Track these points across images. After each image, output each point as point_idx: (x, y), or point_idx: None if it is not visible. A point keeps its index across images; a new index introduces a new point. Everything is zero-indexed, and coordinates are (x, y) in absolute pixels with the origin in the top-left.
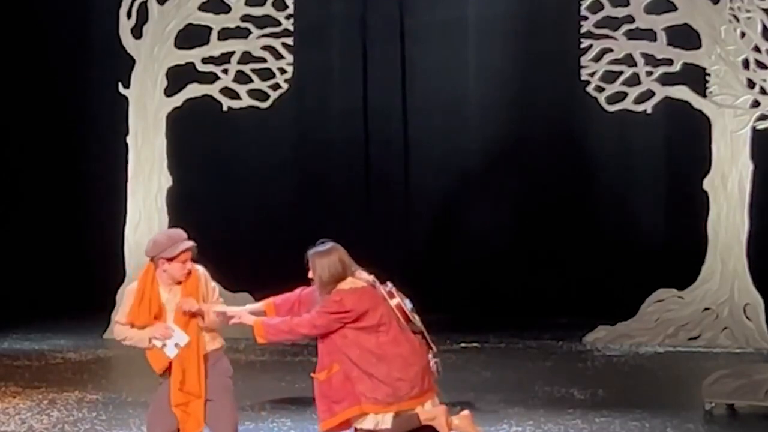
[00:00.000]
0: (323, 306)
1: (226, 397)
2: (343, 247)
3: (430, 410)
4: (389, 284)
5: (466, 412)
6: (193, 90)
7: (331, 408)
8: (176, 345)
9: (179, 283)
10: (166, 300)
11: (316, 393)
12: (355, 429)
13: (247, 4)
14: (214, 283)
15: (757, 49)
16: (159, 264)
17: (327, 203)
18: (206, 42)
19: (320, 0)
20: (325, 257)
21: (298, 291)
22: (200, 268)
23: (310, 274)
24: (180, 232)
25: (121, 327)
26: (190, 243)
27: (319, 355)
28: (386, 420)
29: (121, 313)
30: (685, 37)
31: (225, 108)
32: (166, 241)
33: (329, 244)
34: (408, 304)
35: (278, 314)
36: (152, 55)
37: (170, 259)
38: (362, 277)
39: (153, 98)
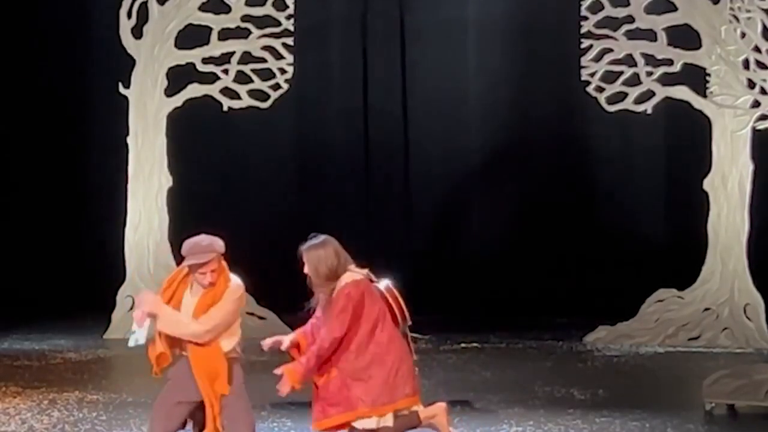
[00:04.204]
0: (334, 309)
1: (242, 399)
2: (343, 247)
3: (430, 408)
4: (386, 281)
5: (442, 404)
6: (194, 90)
7: (325, 410)
8: (136, 340)
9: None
10: (186, 302)
11: (313, 394)
12: (352, 428)
13: (247, 4)
14: (232, 304)
15: (757, 49)
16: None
17: (327, 203)
18: (206, 42)
19: (320, 0)
20: (319, 250)
21: (309, 323)
22: (237, 285)
23: (305, 270)
24: (201, 245)
25: None
26: (194, 260)
27: None
28: (388, 419)
29: None
30: (685, 37)
31: (225, 108)
32: (189, 249)
33: (322, 237)
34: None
35: (308, 342)
36: (152, 55)
37: (192, 267)
38: (357, 271)
39: (153, 98)
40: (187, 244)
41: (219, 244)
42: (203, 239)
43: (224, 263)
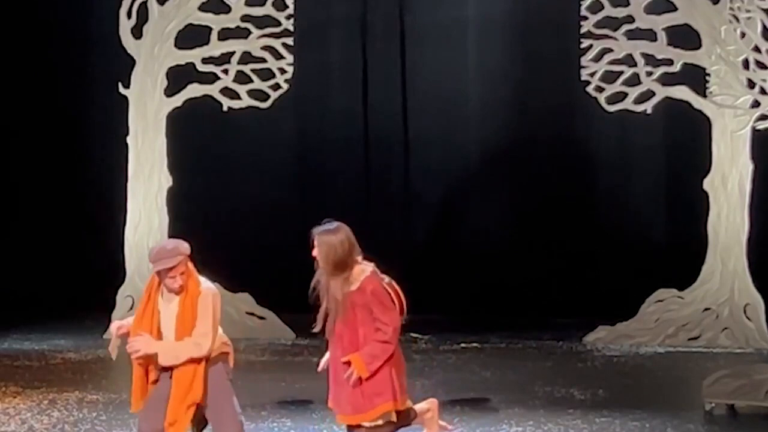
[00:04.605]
0: (379, 305)
1: (227, 402)
2: None
3: (424, 404)
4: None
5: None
6: (193, 90)
7: (372, 400)
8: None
9: (178, 293)
10: (163, 311)
11: (337, 388)
12: (358, 425)
13: (247, 4)
14: (211, 303)
15: (757, 49)
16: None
17: (327, 203)
18: (206, 42)
19: (320, 0)
20: (332, 236)
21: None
22: (207, 290)
23: (314, 252)
24: (167, 249)
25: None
26: (162, 265)
27: (361, 344)
28: (392, 414)
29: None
30: (685, 37)
31: (225, 108)
32: (156, 255)
33: (336, 223)
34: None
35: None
36: (152, 55)
37: (161, 273)
38: (366, 264)
39: (153, 98)
40: (153, 251)
41: (184, 246)
42: (168, 243)
43: (191, 266)
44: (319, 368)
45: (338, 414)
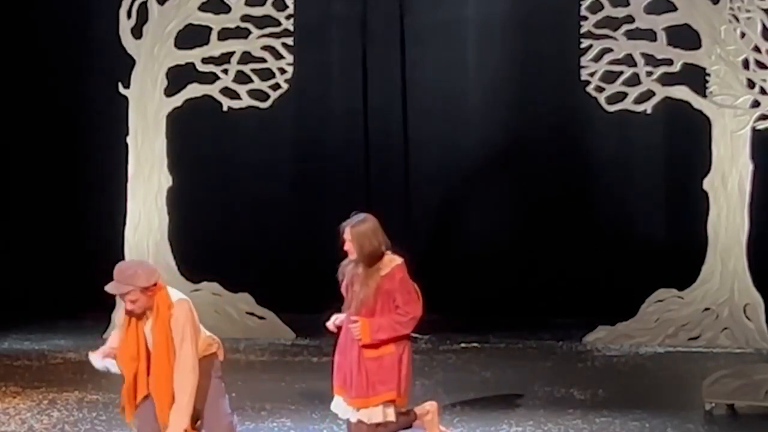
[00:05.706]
0: (405, 294)
1: (215, 400)
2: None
3: (424, 406)
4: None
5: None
6: (193, 90)
7: (375, 387)
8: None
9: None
10: (146, 328)
11: (358, 368)
12: (358, 422)
13: (247, 4)
14: (185, 323)
15: (757, 49)
16: None
17: (327, 203)
18: (206, 42)
19: (320, 0)
20: (362, 227)
21: None
22: (179, 308)
23: (347, 246)
24: (125, 273)
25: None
26: (112, 288)
27: None
28: (390, 413)
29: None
30: (685, 37)
31: (225, 108)
32: (115, 275)
33: (363, 215)
34: None
35: None
36: (152, 55)
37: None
38: (396, 257)
39: (153, 98)
40: (116, 268)
41: (142, 278)
42: (128, 268)
43: (159, 287)
44: (330, 326)
45: (345, 397)
